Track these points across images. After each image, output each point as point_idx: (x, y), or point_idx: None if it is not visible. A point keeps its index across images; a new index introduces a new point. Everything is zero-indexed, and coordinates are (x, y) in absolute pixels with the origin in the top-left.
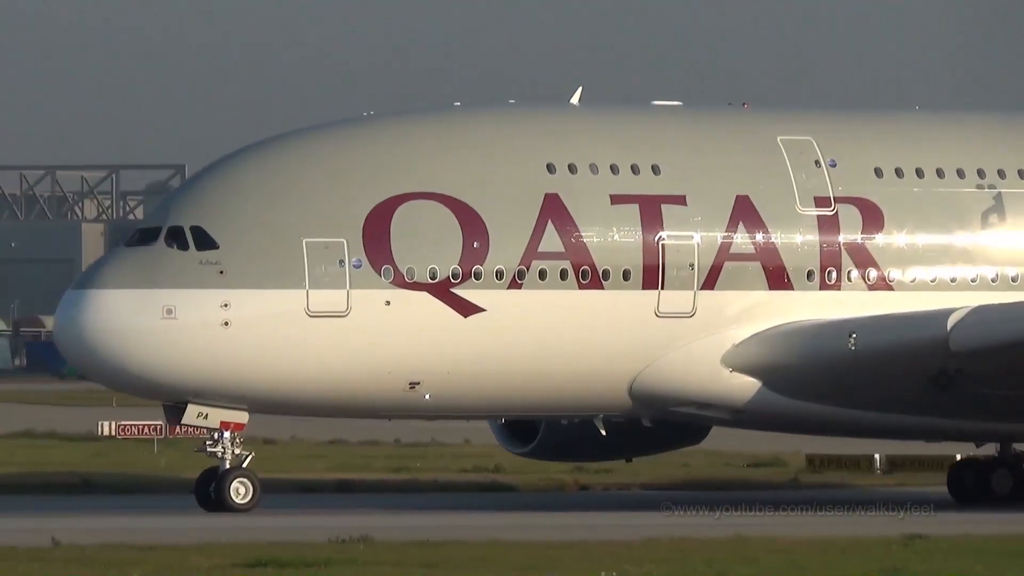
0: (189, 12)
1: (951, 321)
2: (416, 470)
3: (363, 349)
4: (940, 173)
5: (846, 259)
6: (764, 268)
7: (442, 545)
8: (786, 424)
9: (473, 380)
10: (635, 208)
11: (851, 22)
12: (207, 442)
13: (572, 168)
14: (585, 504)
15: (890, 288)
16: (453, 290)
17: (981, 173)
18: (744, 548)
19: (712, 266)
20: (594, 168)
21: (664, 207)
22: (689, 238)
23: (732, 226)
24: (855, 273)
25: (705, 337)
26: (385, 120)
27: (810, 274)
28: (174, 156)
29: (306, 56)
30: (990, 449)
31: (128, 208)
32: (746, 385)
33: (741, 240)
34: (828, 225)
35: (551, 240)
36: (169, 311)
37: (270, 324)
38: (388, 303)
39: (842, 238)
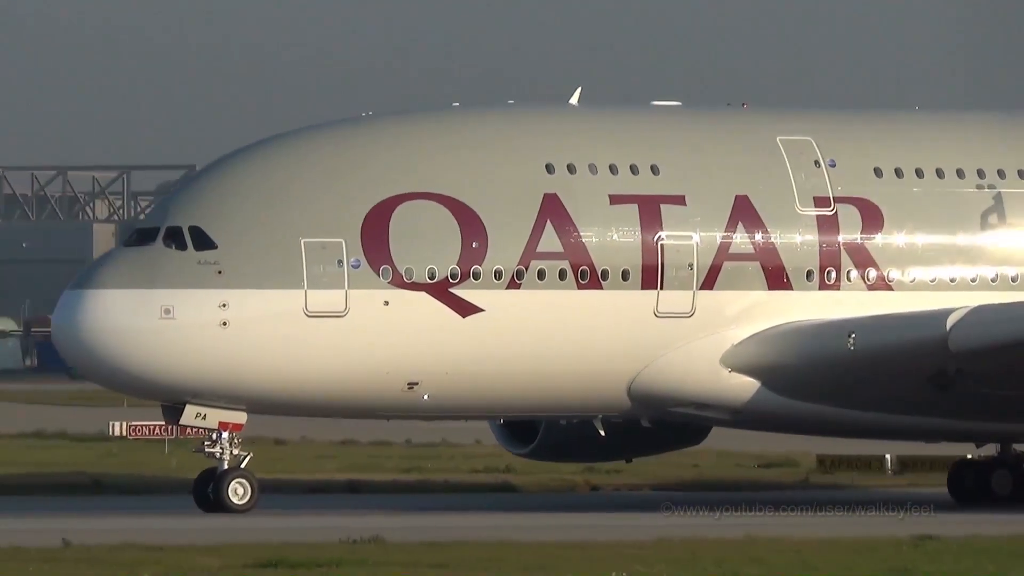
0: (197, 12)
1: (951, 321)
2: (427, 471)
3: (361, 349)
4: (940, 173)
5: (845, 259)
6: (763, 268)
7: (453, 546)
8: (785, 424)
9: (472, 380)
10: (634, 208)
11: (851, 22)
12: (205, 443)
13: (571, 168)
14: (595, 505)
15: (889, 288)
16: (452, 290)
17: (981, 173)
18: (754, 548)
19: (711, 266)
20: (593, 168)
21: (663, 207)
22: (688, 238)
23: (731, 226)
24: (854, 273)
25: (704, 337)
26: (384, 120)
27: (809, 274)
28: (185, 156)
29: (306, 56)
30: (990, 449)
31: (139, 208)
32: (745, 385)
33: (740, 240)
34: (827, 225)
35: (550, 240)
36: (167, 311)
37: (268, 324)
38: (386, 303)
39: (841, 238)
